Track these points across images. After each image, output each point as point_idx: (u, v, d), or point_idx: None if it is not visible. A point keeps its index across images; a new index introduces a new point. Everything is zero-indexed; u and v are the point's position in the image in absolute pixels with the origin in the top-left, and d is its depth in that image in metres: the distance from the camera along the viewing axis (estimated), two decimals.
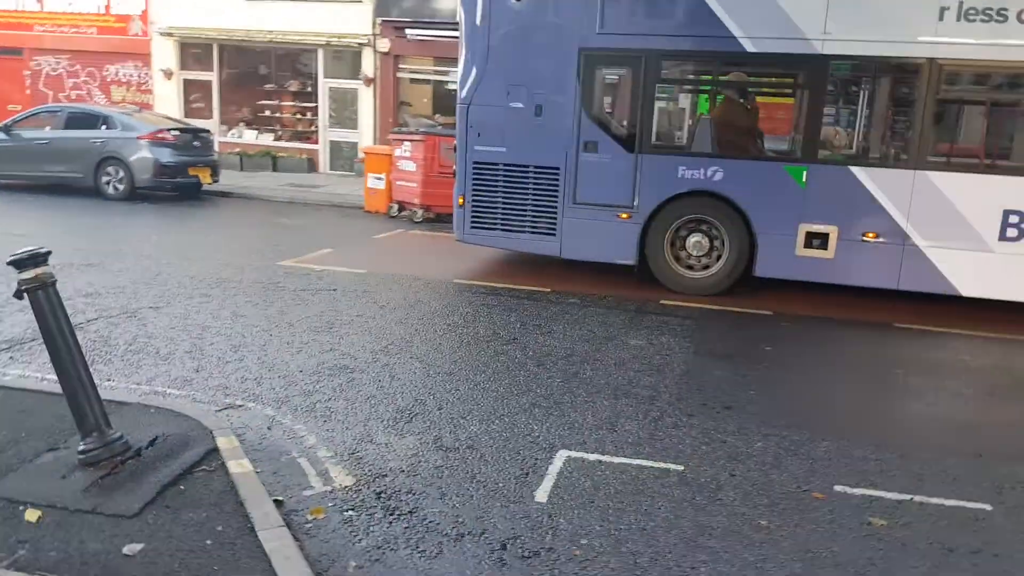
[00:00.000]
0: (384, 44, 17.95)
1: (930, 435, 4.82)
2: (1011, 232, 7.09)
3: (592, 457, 4.06)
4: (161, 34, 19.53)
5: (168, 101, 19.84)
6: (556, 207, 8.17)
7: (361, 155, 18.14)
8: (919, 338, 6.93)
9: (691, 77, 8.19)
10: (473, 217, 8.45)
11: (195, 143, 14.01)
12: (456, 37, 15.96)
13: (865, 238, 7.42)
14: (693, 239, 7.98)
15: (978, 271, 7.24)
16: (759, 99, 8.20)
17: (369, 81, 18.43)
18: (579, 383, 5.20)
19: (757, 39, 7.37)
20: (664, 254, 8.03)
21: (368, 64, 18.39)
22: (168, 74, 19.96)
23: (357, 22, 18.05)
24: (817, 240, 7.55)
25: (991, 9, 6.77)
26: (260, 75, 19.99)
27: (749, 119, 8.03)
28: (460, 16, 8.34)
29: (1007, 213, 7.06)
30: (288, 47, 18.99)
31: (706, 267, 8.02)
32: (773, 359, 6.16)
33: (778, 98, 8.16)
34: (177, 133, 13.68)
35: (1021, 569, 3.26)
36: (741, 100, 8.06)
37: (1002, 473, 4.14)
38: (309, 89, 19.45)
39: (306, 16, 18.18)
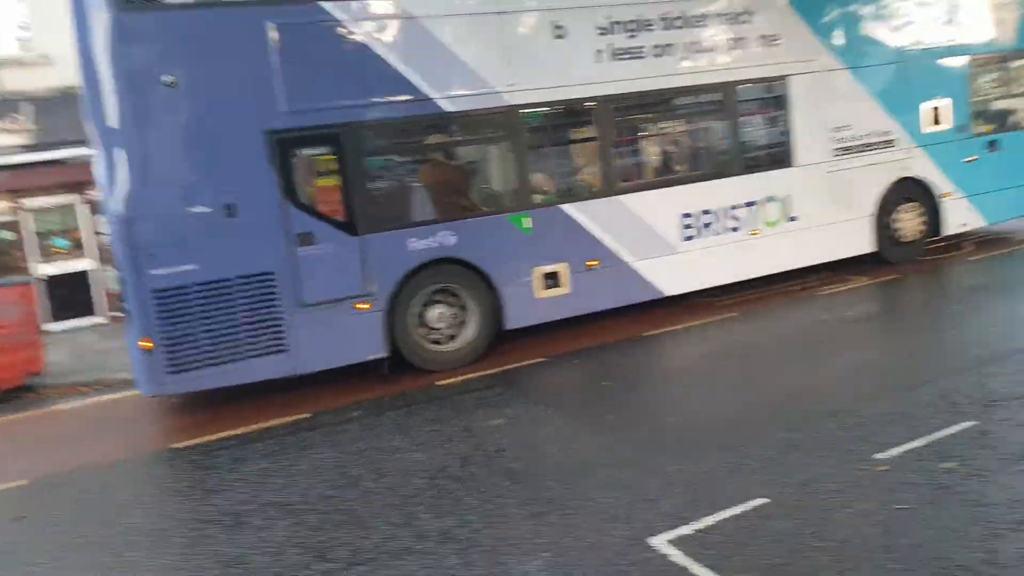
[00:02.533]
0: None
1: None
2: (688, 232, 8.27)
3: None
4: None
5: None
6: (280, 317, 6.77)
7: None
8: (671, 338, 7.60)
9: (398, 145, 7.63)
10: (171, 360, 6.46)
11: None
12: None
13: (588, 266, 7.85)
14: (435, 312, 7.41)
15: (673, 271, 8.24)
16: (469, 155, 8.06)
17: None
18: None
19: (453, 98, 7.26)
20: (414, 335, 7.29)
21: None
22: None
23: None
24: (551, 279, 7.71)
25: (632, 48, 7.85)
26: None
27: (465, 178, 7.85)
28: (89, 111, 6.40)
29: (681, 216, 8.22)
30: None
31: (452, 337, 7.52)
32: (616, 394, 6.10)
33: (487, 151, 8.13)
34: None
35: None
36: (453, 160, 7.84)
37: None
38: None
39: None
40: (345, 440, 5.72)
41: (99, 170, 6.51)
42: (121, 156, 6.35)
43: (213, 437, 6.21)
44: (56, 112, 13.65)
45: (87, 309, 13.94)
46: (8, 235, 14.28)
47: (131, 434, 6.93)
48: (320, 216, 6.97)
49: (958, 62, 9.37)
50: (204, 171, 6.55)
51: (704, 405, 5.55)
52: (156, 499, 5.26)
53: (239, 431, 6.28)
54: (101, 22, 6.26)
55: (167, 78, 6.38)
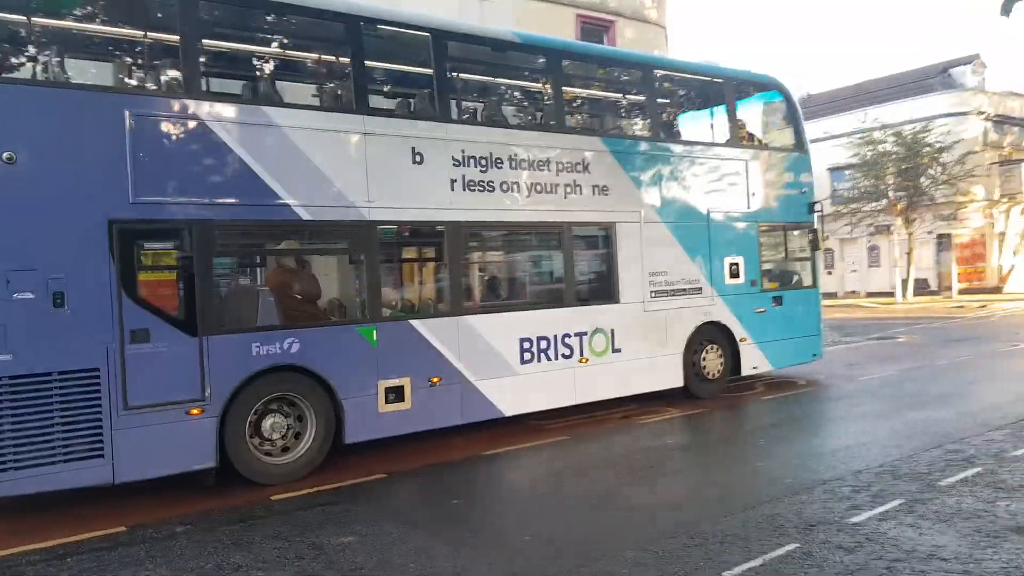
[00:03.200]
0: None
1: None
2: (526, 356, 8.68)
3: None
4: None
5: None
6: (100, 419, 6.18)
7: None
8: (511, 458, 7.78)
9: (249, 247, 7.39)
10: None
11: None
12: None
13: (432, 383, 7.95)
14: (268, 422, 7.09)
15: (512, 392, 8.55)
16: (322, 264, 7.97)
17: None
18: None
19: (311, 207, 7.31)
20: (247, 445, 6.91)
21: None
22: None
23: None
24: (393, 394, 7.71)
25: (483, 181, 8.41)
26: None
27: (315, 286, 7.73)
28: None
29: (521, 340, 8.65)
30: None
31: (285, 449, 7.20)
32: (468, 511, 6.11)
33: (341, 262, 8.07)
34: None
35: None
36: (304, 268, 7.72)
37: None
38: None
39: None
40: (175, 557, 5.22)
41: None
42: None
43: (13, 551, 5.42)
44: None
45: None
46: None
47: None
48: (158, 313, 6.58)
49: (751, 227, 10.92)
50: (35, 255, 6.02)
51: (556, 523, 5.71)
52: None
53: (44, 544, 5.54)
54: None
55: (6, 154, 5.94)
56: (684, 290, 10.10)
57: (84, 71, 7.00)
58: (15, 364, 5.88)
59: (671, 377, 9.98)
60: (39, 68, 6.44)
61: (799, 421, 9.19)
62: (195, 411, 6.62)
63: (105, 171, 6.36)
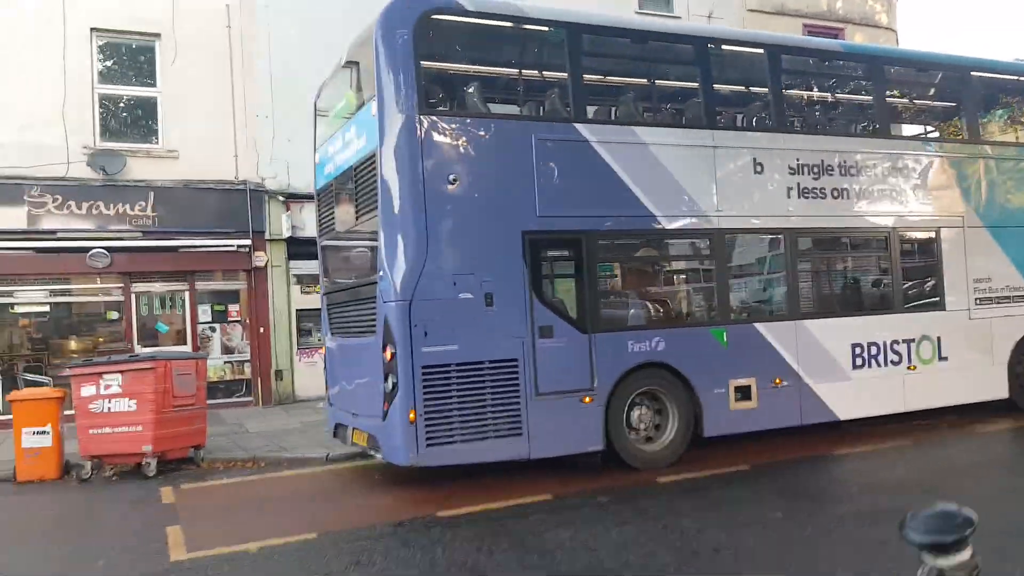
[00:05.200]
0: None
1: None
2: (858, 361, 8.90)
3: None
4: None
5: None
6: (519, 403, 7.16)
7: None
8: (867, 458, 8.04)
9: (623, 255, 8.29)
10: (429, 432, 6.79)
11: None
12: (26, 250, 13.13)
13: (775, 384, 8.38)
14: (636, 413, 7.82)
15: (846, 397, 8.78)
16: (679, 270, 8.73)
17: None
18: None
19: (670, 217, 8.04)
20: (624, 432, 7.67)
21: None
22: None
23: None
24: (742, 393, 8.21)
25: (816, 188, 8.78)
26: None
27: (675, 290, 8.51)
28: (379, 200, 6.98)
29: (853, 346, 8.88)
30: None
31: (648, 439, 7.90)
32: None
33: (695, 268, 8.81)
34: None
35: None
36: (666, 273, 8.50)
37: None
38: None
39: None
40: (600, 521, 5.97)
41: (381, 254, 7.02)
42: (403, 243, 6.93)
43: (475, 508, 6.46)
44: (174, 203, 14.25)
45: None
46: (114, 315, 14.48)
47: (375, 502, 7.19)
48: (558, 312, 7.53)
49: None
50: (472, 262, 7.12)
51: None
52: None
53: (493, 505, 6.55)
54: (398, 122, 6.98)
55: (451, 176, 7.08)
56: (1009, 297, 9.87)
57: (497, 104, 8.12)
58: (461, 353, 6.97)
59: (995, 388, 9.74)
60: (469, 104, 7.58)
61: None
62: (587, 399, 7.46)
63: (519, 189, 7.39)
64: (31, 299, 14.15)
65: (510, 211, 7.35)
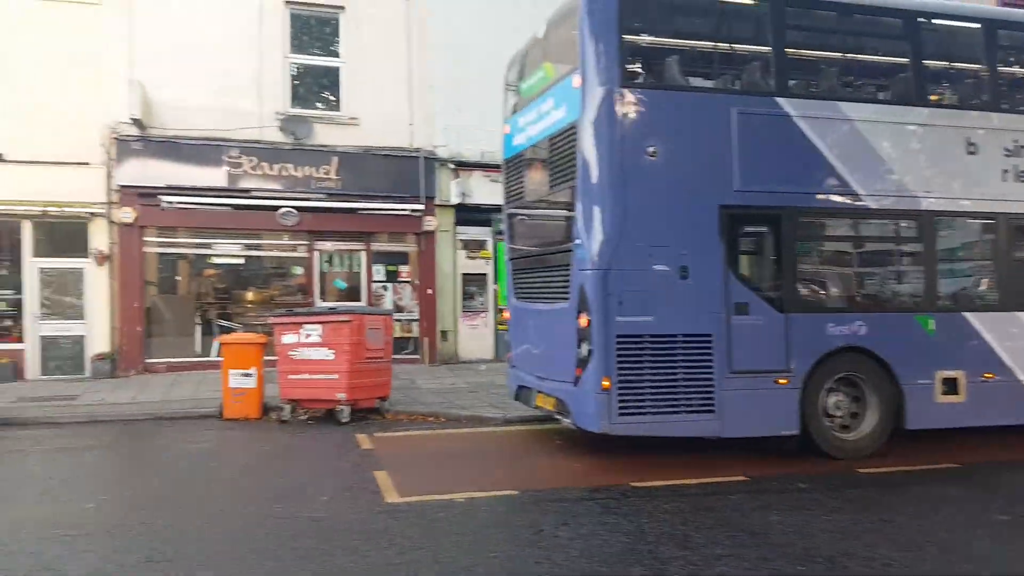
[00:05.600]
0: (126, 214, 14.28)
1: None
2: None
3: None
4: None
5: None
6: (712, 379, 7.09)
7: (98, 351, 13.99)
8: None
9: (825, 234, 8.05)
10: (621, 401, 6.86)
11: None
12: (224, 206, 14.24)
13: (985, 378, 7.85)
14: (832, 399, 7.56)
15: None
16: (885, 252, 8.35)
17: (103, 259, 14.39)
18: None
19: (875, 196, 7.63)
20: (820, 418, 7.45)
21: (101, 238, 14.43)
22: None
23: (83, 188, 14.16)
24: (948, 385, 7.74)
25: None
26: None
27: (879, 272, 8.14)
28: (579, 168, 7.07)
29: None
30: None
31: (844, 427, 7.63)
32: None
33: (900, 251, 8.41)
34: None
35: None
36: (870, 254, 8.16)
37: None
38: (6, 271, 14.44)
39: (6, 181, 13.72)
40: (802, 508, 5.85)
41: (578, 222, 7.12)
42: (601, 213, 6.98)
43: (670, 482, 6.55)
44: (355, 167, 14.98)
45: None
46: (298, 270, 15.54)
47: (565, 466, 7.42)
48: (754, 289, 7.38)
49: None
50: (669, 234, 7.08)
51: None
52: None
53: (686, 481, 6.60)
54: (599, 94, 7.00)
55: (650, 148, 7.04)
56: None
57: (695, 77, 7.98)
58: (655, 325, 6.98)
59: None
60: (669, 76, 7.50)
61: None
62: (782, 381, 7.28)
63: (716, 162, 7.25)
64: (227, 251, 15.41)
65: (707, 185, 7.23)
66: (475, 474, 7.10)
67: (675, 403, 7.01)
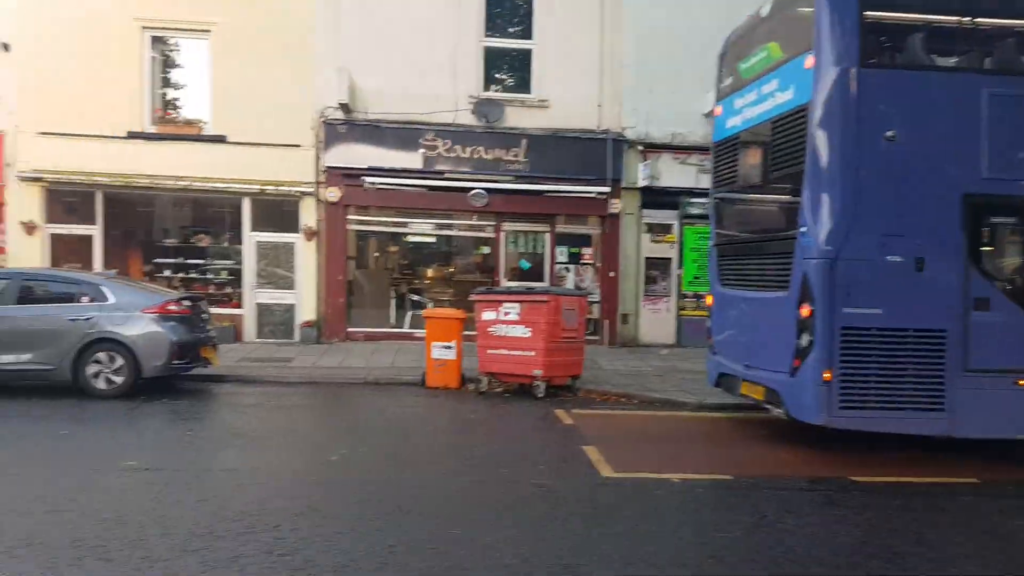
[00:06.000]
0: (332, 193, 15.36)
1: None
2: None
3: None
4: (24, 179, 15.04)
5: (28, 262, 15.05)
6: (943, 377, 6.70)
7: (305, 319, 15.17)
8: None
9: None
10: (843, 394, 6.66)
11: (203, 315, 10.42)
12: (420, 187, 14.94)
13: None
14: None
15: None
16: None
17: (311, 234, 15.58)
18: None
19: None
20: None
21: (310, 215, 15.61)
22: (31, 228, 15.29)
23: (295, 168, 15.37)
24: None
25: None
26: (160, 228, 16.17)
27: None
28: (808, 152, 6.87)
29: None
30: (201, 196, 15.48)
31: None
32: None
33: None
34: (189, 303, 10.05)
35: None
36: None
37: None
38: (226, 244, 15.99)
39: (228, 161, 15.10)
40: None
41: (805, 209, 6.93)
42: (831, 199, 6.75)
43: (893, 479, 6.31)
44: (542, 150, 15.25)
45: None
46: (485, 249, 16.13)
47: (776, 455, 7.32)
48: (998, 284, 6.90)
49: None
50: (903, 223, 6.74)
51: None
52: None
53: (914, 479, 6.32)
54: (834, 75, 6.72)
55: (889, 132, 6.70)
56: None
57: (940, 55, 7.52)
58: (883, 318, 6.69)
59: None
60: (910, 55, 7.10)
61: None
62: (1022, 382, 6.78)
63: (961, 148, 6.79)
64: (420, 230, 16.28)
65: (949, 172, 6.79)
66: (683, 456, 7.14)
67: (901, 399, 6.70)
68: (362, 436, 7.84)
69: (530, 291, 10.73)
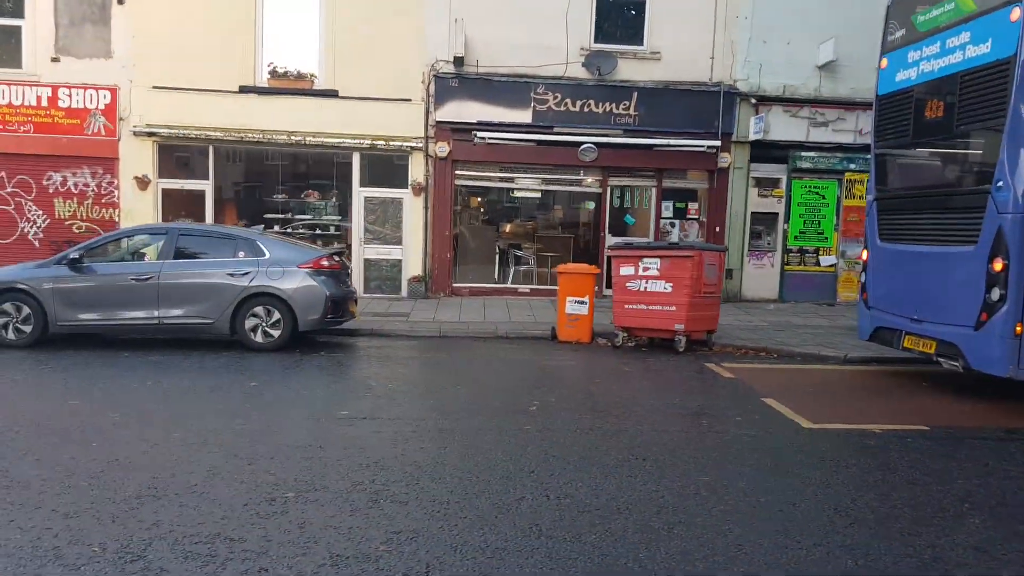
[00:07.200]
0: (442, 148, 15.46)
1: None
2: None
3: None
4: (137, 133, 15.43)
5: (140, 216, 15.57)
6: None
7: (413, 274, 15.46)
8: None
9: None
10: None
11: (348, 270, 10.75)
12: (529, 142, 14.92)
13: None
14: None
15: None
16: None
17: (419, 190, 15.76)
18: None
19: None
20: None
21: (419, 170, 15.76)
22: (144, 183, 15.73)
23: (405, 123, 15.47)
24: None
25: None
26: (270, 183, 16.50)
27: None
28: (1011, 108, 6.76)
29: None
30: (312, 151, 15.74)
31: None
32: None
33: None
34: (338, 259, 10.35)
35: None
36: None
37: None
38: (335, 199, 16.29)
39: (339, 116, 15.29)
40: None
41: (1004, 164, 6.84)
42: None
43: None
44: (653, 103, 15.11)
45: None
46: (591, 204, 16.17)
47: (950, 407, 7.29)
48: None
49: None
50: None
51: None
52: None
53: None
54: None
55: None
56: None
57: None
58: None
59: None
60: None
61: None
62: None
63: None
64: (527, 186, 16.35)
65: None
66: (865, 408, 7.25)
67: None
68: (544, 388, 7.92)
69: (673, 246, 10.80)
